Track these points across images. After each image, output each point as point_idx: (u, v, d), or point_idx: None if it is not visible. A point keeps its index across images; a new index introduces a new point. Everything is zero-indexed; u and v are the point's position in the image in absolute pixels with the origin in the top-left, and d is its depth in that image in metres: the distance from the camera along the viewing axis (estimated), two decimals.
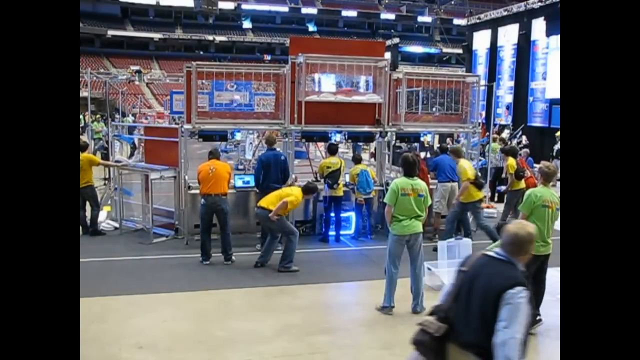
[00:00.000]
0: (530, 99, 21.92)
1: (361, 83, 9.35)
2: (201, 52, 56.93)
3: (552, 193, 5.22)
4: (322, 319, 5.62)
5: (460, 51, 38.18)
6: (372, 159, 12.68)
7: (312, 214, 9.06)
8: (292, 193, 7.15)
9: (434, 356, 2.69)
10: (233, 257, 7.40)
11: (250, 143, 15.43)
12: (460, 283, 2.75)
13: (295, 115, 8.52)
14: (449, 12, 60.26)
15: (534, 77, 21.79)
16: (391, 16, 64.20)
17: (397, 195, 5.57)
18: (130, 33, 58.16)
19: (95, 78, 33.48)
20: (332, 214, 8.61)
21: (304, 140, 9.81)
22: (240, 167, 14.83)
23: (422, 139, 12.10)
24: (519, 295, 2.49)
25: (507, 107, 23.49)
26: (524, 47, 22.18)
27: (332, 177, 8.41)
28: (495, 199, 11.92)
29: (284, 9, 62.42)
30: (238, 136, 9.40)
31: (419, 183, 5.72)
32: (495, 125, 18.75)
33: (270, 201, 7.05)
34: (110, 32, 56.24)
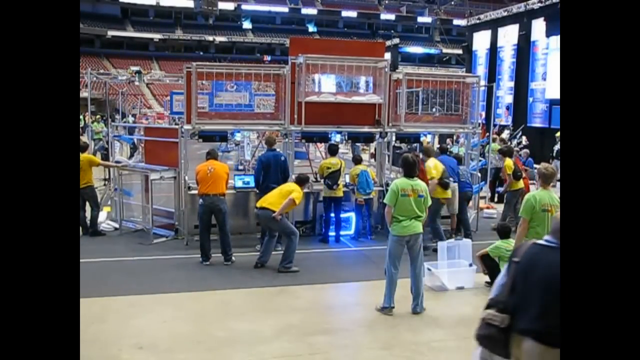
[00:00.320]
0: (530, 99, 21.93)
1: (361, 83, 9.35)
2: (201, 53, 56.95)
3: (551, 196, 5.20)
4: (322, 319, 5.62)
5: (460, 52, 38.19)
6: (372, 160, 12.68)
7: (312, 215, 9.07)
8: (293, 189, 7.17)
9: (503, 348, 2.71)
10: (233, 258, 7.41)
11: (248, 143, 15.43)
12: (515, 274, 2.76)
13: (295, 116, 8.52)
14: (448, 13, 60.33)
15: (534, 77, 21.80)
16: (391, 17, 64.26)
17: (397, 196, 5.57)
18: (130, 33, 58.20)
19: (95, 79, 33.48)
20: (332, 215, 8.62)
21: (303, 140, 9.82)
22: (240, 167, 14.83)
23: (422, 139, 12.11)
24: None
25: (507, 108, 23.50)
26: (524, 48, 22.19)
27: (332, 177, 8.41)
28: (495, 199, 11.93)
29: (284, 9, 62.46)
30: (238, 137, 9.41)
31: (419, 184, 5.72)
32: (495, 125, 18.75)
33: (271, 201, 7.04)
34: (110, 33, 56.28)
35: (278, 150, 8.56)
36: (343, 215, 8.74)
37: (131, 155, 15.98)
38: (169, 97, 18.93)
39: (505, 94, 23.63)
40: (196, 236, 7.82)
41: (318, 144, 12.91)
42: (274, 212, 6.93)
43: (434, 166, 8.14)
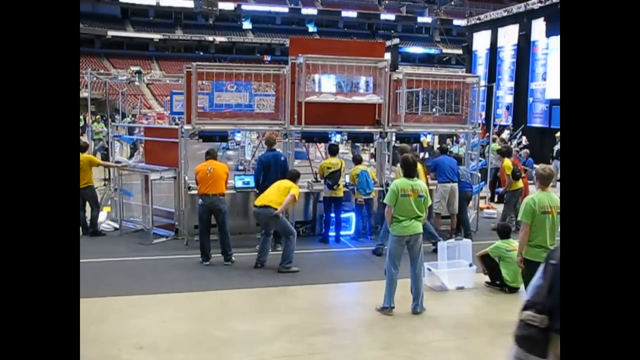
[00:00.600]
0: (530, 99, 21.94)
1: (361, 84, 9.35)
2: (201, 53, 56.95)
3: (551, 197, 5.16)
4: (322, 319, 5.62)
5: (460, 52, 38.22)
6: (372, 160, 12.68)
7: (312, 215, 9.07)
8: (290, 185, 7.19)
9: (542, 348, 2.73)
10: (233, 258, 7.40)
11: (249, 143, 15.44)
12: (552, 276, 2.78)
13: (295, 116, 8.52)
14: (448, 13, 60.30)
15: (534, 77, 21.81)
16: (391, 17, 64.24)
17: (397, 196, 5.57)
18: (130, 34, 58.18)
19: (95, 79, 33.50)
20: (332, 215, 8.61)
21: (303, 140, 9.82)
22: (240, 167, 14.84)
23: (421, 139, 12.12)
24: None
25: (507, 108, 23.51)
26: (524, 48, 22.20)
27: (333, 177, 8.41)
28: (495, 199, 11.93)
29: (284, 9, 62.44)
30: (238, 137, 9.41)
31: (419, 184, 5.72)
32: (495, 125, 18.75)
33: (272, 199, 7.03)
34: (110, 33, 56.25)
35: (278, 150, 8.56)
36: (343, 215, 8.74)
37: (131, 155, 15.99)
38: (169, 97, 18.94)
39: (505, 94, 23.64)
40: (196, 236, 7.82)
41: (318, 144, 12.91)
42: (275, 209, 6.93)
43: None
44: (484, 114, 17.20)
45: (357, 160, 9.20)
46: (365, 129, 9.22)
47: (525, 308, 2.84)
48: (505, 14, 24.03)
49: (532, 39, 21.78)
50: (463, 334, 5.29)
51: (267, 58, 55.96)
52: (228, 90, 8.51)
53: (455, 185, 8.79)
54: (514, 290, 6.36)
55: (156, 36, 58.40)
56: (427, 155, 13.17)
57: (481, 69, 25.12)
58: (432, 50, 62.45)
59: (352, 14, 64.08)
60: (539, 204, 5.08)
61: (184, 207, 8.48)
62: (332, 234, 8.67)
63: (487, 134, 14.15)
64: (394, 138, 9.85)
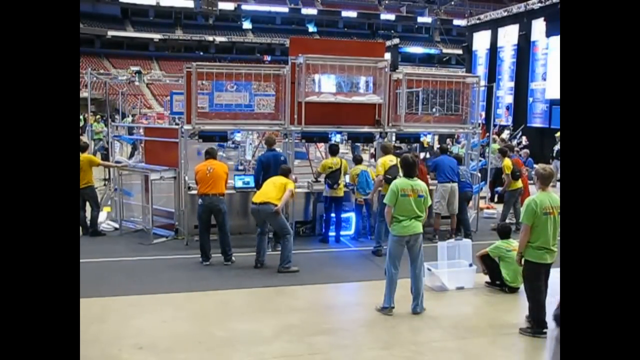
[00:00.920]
0: (530, 99, 21.94)
1: (361, 84, 9.35)
2: (201, 53, 56.95)
3: (551, 197, 5.14)
4: (322, 319, 5.62)
5: (460, 52, 38.21)
6: (372, 160, 12.67)
7: (312, 215, 9.06)
8: (286, 181, 7.22)
9: None
10: (233, 258, 7.40)
11: (250, 143, 15.42)
12: None
13: (295, 116, 8.52)
14: (448, 13, 60.31)
15: (534, 77, 21.81)
16: (391, 17, 64.24)
17: (397, 196, 5.57)
18: (130, 34, 58.16)
19: (95, 78, 33.49)
20: (332, 215, 8.61)
21: (303, 140, 9.81)
22: (240, 167, 14.83)
23: (421, 139, 12.10)
24: None
25: (507, 108, 23.51)
26: (524, 48, 22.21)
27: (333, 177, 8.41)
28: (495, 199, 11.93)
29: (284, 9, 62.44)
30: (238, 137, 9.41)
31: (419, 184, 5.71)
32: (495, 125, 18.76)
33: (271, 195, 7.03)
34: (111, 33, 56.24)
35: (278, 150, 8.53)
36: (343, 215, 8.74)
37: (131, 155, 15.99)
38: (169, 97, 18.93)
39: (505, 94, 23.64)
40: (196, 236, 7.82)
41: (318, 144, 12.91)
42: (275, 205, 6.94)
43: (382, 163, 7.96)
44: (484, 114, 17.22)
45: (357, 160, 9.20)
46: (365, 129, 9.21)
47: None
48: (505, 14, 24.03)
49: (532, 39, 21.78)
50: (463, 334, 5.29)
51: (267, 58, 55.96)
52: (228, 90, 8.51)
53: (455, 185, 8.79)
54: (514, 290, 6.35)
55: (156, 36, 58.39)
56: (427, 155, 13.14)
57: (481, 69, 25.13)
58: (432, 50, 62.46)
59: (352, 14, 64.08)
60: (541, 205, 5.05)
61: (184, 207, 8.48)
62: (332, 234, 8.66)
63: (487, 134, 14.14)
64: (394, 138, 9.85)
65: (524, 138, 19.20)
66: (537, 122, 21.35)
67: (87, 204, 8.74)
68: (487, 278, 6.65)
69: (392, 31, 55.00)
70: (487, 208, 11.37)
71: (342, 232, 8.71)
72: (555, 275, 5.21)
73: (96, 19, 55.58)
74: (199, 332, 5.16)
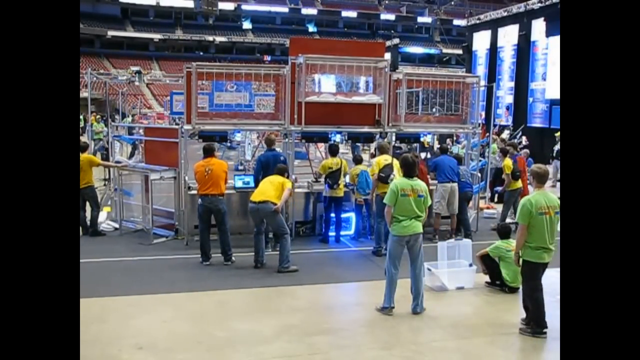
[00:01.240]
0: (530, 99, 21.94)
1: (361, 84, 9.35)
2: (201, 53, 56.96)
3: (547, 197, 5.12)
4: (322, 319, 5.62)
5: (460, 52, 38.18)
6: (372, 160, 12.66)
7: (312, 215, 9.06)
8: (283, 180, 7.23)
9: None
10: (233, 258, 7.40)
11: (249, 143, 15.42)
12: None
13: (295, 116, 8.51)
14: (448, 13, 60.34)
15: (534, 77, 21.82)
16: (391, 17, 64.27)
17: (397, 196, 5.57)
18: (130, 34, 58.19)
19: (95, 79, 33.50)
20: (332, 215, 8.61)
21: (303, 140, 9.81)
22: (240, 167, 14.83)
23: (422, 139, 12.11)
24: None
25: (507, 108, 23.51)
26: (524, 48, 22.21)
27: (333, 177, 8.41)
28: (495, 199, 11.94)
29: (284, 9, 62.47)
30: (238, 137, 9.41)
31: (419, 184, 5.71)
32: (495, 125, 18.76)
33: (270, 194, 7.02)
34: (110, 33, 56.27)
35: (278, 150, 8.52)
36: (343, 215, 8.74)
37: (131, 155, 16.00)
38: (169, 97, 18.93)
39: (505, 94, 23.65)
40: (196, 236, 7.82)
41: (318, 144, 12.90)
42: (275, 204, 6.94)
43: (376, 162, 7.99)
44: (484, 114, 17.21)
45: (357, 161, 9.20)
46: (365, 129, 9.21)
47: None
48: (505, 14, 24.04)
49: (532, 39, 21.79)
50: (463, 334, 5.29)
51: (267, 58, 55.99)
52: (228, 90, 8.51)
53: (455, 185, 8.79)
54: (514, 290, 6.35)
55: (156, 36, 58.41)
56: (428, 155, 13.14)
57: (481, 69, 25.13)
58: (432, 50, 62.47)
59: (352, 14, 64.11)
60: (536, 205, 5.02)
61: (184, 207, 8.48)
62: (332, 234, 8.66)
63: (487, 134, 14.14)
64: (394, 138, 9.85)
65: (524, 138, 19.20)
66: (537, 122, 21.35)
67: (87, 204, 8.74)
68: (487, 278, 6.65)
69: (392, 31, 54.96)
70: (487, 208, 11.37)
71: (342, 232, 8.71)
72: (555, 275, 5.21)
73: (96, 19, 55.59)
74: (198, 332, 5.16)
